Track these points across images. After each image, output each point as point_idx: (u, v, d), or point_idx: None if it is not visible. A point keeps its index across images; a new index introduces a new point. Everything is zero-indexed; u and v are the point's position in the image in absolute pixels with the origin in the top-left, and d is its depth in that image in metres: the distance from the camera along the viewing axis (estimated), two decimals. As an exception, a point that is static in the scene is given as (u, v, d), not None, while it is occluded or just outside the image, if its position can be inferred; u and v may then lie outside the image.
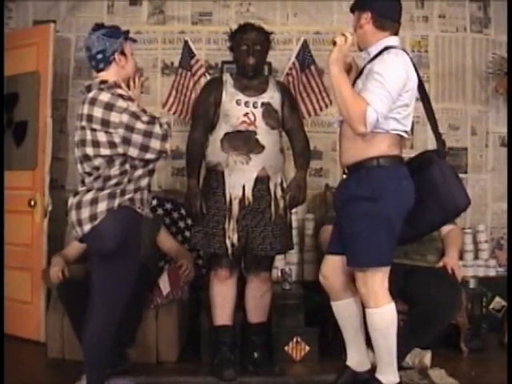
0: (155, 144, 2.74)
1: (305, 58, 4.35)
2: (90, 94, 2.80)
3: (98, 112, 2.73)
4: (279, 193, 3.55)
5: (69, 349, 3.69)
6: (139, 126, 2.71)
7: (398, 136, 2.94)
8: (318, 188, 4.57)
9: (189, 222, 4.29)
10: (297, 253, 4.39)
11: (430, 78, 4.66)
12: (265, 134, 3.48)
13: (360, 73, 3.00)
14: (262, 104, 3.51)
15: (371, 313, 2.93)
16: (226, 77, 3.61)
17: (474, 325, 3.90)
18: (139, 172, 2.81)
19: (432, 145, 4.60)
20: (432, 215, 2.94)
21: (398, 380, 3.00)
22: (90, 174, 2.81)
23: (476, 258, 4.48)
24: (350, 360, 3.21)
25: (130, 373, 3.44)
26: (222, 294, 3.55)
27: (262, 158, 3.47)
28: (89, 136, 2.77)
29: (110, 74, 2.83)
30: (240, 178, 3.45)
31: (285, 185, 3.59)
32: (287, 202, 3.57)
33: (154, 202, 4.28)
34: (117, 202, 2.76)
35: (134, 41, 2.99)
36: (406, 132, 2.97)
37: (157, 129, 2.73)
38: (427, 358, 3.53)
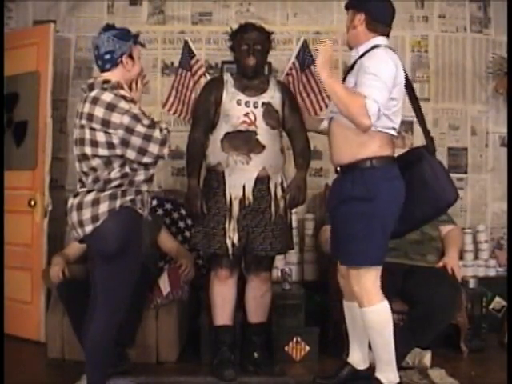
0: (153, 148, 2.74)
1: (305, 58, 4.35)
2: (92, 93, 2.79)
3: (99, 112, 2.73)
4: (279, 193, 3.54)
5: (69, 349, 3.69)
6: (139, 128, 2.71)
7: (388, 135, 2.98)
8: (317, 188, 4.57)
9: (189, 222, 4.29)
10: (297, 253, 4.40)
11: (429, 78, 4.67)
12: (265, 134, 3.48)
13: (350, 69, 3.04)
14: (263, 104, 3.51)
15: (366, 311, 2.96)
16: (227, 76, 3.61)
17: (474, 325, 3.90)
18: (141, 177, 2.81)
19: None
20: (423, 210, 2.99)
21: (398, 379, 3.01)
22: (87, 174, 2.81)
23: (476, 258, 4.48)
24: (351, 357, 3.27)
25: (130, 373, 3.44)
26: (222, 294, 3.55)
27: (263, 157, 3.46)
28: (88, 135, 2.76)
29: (114, 75, 2.83)
30: (240, 178, 3.45)
31: (285, 185, 3.58)
32: (287, 203, 3.56)
33: (154, 202, 4.28)
34: (118, 202, 2.76)
35: (143, 45, 3.00)
36: (394, 129, 3.00)
37: (156, 133, 2.73)
38: (427, 357, 3.53)
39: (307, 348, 3.79)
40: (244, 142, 3.45)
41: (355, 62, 3.00)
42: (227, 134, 3.48)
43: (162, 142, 2.75)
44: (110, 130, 2.72)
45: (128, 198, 2.78)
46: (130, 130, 2.71)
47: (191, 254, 3.99)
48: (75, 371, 3.32)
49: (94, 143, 2.75)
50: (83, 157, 2.81)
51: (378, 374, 3.01)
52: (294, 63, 4.35)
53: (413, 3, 4.67)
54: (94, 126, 2.74)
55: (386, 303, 2.97)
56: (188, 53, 4.36)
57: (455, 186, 3.07)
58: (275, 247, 3.51)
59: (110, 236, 2.74)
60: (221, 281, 3.54)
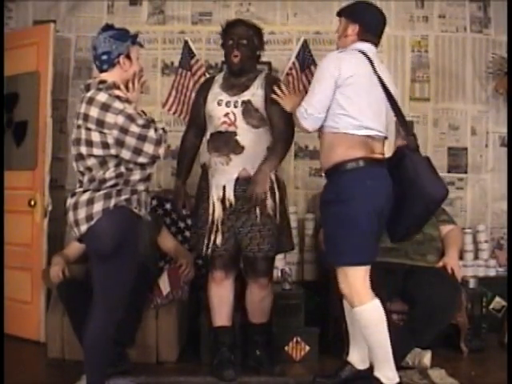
0: (148, 148, 2.73)
1: (305, 58, 4.36)
2: (88, 94, 2.80)
3: (94, 112, 2.73)
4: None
5: (69, 349, 3.69)
6: (134, 128, 2.72)
7: (359, 137, 2.97)
8: (317, 188, 4.55)
9: (189, 222, 4.29)
10: (297, 253, 4.39)
11: (430, 78, 4.66)
12: (246, 134, 3.40)
13: None
14: (242, 103, 3.42)
15: (358, 311, 2.98)
16: (219, 76, 3.58)
17: (474, 325, 3.89)
18: (136, 176, 2.81)
19: (432, 144, 4.66)
20: (412, 208, 2.98)
21: (397, 377, 3.00)
22: (84, 174, 2.82)
23: (476, 258, 4.48)
24: (351, 357, 3.28)
25: (130, 373, 3.44)
26: (219, 295, 3.53)
27: (243, 158, 3.39)
28: (83, 135, 2.77)
29: (111, 76, 2.84)
30: (221, 179, 3.42)
31: (276, 184, 3.45)
32: (247, 199, 3.37)
33: (154, 202, 4.28)
34: (113, 202, 2.76)
35: (141, 45, 3.00)
36: (366, 128, 2.97)
37: (151, 133, 2.73)
38: (427, 357, 3.53)
39: (307, 348, 3.79)
40: (224, 143, 3.40)
41: None
42: (211, 135, 3.47)
43: (157, 142, 2.74)
44: (105, 130, 2.72)
45: (123, 197, 2.78)
46: (124, 130, 2.71)
47: (191, 254, 3.99)
48: (75, 371, 3.32)
49: (89, 143, 2.76)
50: (79, 156, 2.82)
51: (376, 373, 3.01)
52: (294, 63, 4.37)
53: (413, 3, 4.67)
54: (90, 125, 2.75)
55: (377, 301, 2.97)
56: (188, 53, 4.37)
57: (443, 182, 3.05)
58: (263, 248, 3.42)
59: (103, 235, 2.74)
60: (216, 282, 3.52)
